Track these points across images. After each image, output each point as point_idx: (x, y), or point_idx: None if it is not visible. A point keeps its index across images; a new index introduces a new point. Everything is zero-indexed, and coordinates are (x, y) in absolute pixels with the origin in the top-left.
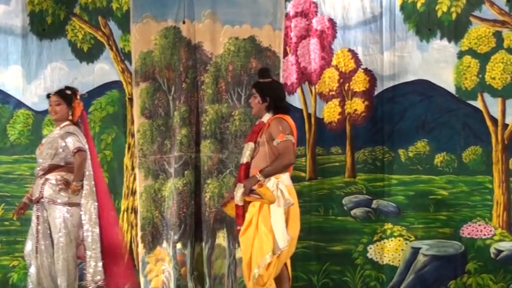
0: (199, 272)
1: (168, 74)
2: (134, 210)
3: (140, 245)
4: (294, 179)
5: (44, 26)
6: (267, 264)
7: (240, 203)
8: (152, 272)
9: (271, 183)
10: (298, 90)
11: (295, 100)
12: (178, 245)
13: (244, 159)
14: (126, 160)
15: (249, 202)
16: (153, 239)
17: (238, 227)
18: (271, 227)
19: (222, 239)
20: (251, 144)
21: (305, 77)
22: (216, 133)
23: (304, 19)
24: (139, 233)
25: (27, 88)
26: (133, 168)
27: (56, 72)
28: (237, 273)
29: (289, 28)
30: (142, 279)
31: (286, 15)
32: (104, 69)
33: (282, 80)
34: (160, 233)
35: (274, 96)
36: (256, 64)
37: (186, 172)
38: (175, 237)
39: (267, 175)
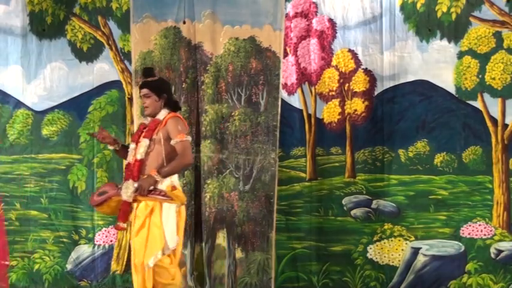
0: (199, 272)
1: (168, 74)
2: None
3: None
4: (295, 180)
5: (43, 25)
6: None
7: (130, 200)
8: None
9: (167, 182)
10: (298, 91)
11: (295, 100)
12: None
13: (139, 156)
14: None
15: (134, 200)
16: None
17: (121, 224)
18: (163, 226)
19: (221, 239)
20: (146, 141)
21: (305, 77)
22: (216, 133)
23: (304, 19)
24: None
25: (26, 88)
26: None
27: (55, 72)
28: (237, 274)
29: (289, 28)
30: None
31: (286, 15)
32: (104, 69)
33: (282, 81)
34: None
35: (168, 93)
36: (256, 64)
37: (186, 172)
38: None
39: (165, 175)
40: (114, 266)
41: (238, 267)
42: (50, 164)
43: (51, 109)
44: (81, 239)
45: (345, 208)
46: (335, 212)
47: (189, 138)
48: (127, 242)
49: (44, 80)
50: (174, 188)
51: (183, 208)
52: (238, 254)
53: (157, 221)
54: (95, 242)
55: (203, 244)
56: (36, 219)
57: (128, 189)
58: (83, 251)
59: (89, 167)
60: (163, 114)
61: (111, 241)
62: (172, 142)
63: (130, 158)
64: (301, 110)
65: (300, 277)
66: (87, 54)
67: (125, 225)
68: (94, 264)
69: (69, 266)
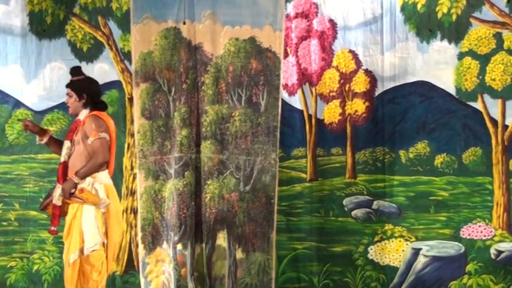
0: (200, 272)
1: (168, 74)
2: (133, 211)
3: (140, 246)
4: (295, 180)
5: (43, 25)
6: (97, 264)
7: (58, 203)
8: (152, 273)
9: (86, 183)
10: (299, 91)
11: (295, 101)
12: (179, 246)
13: (62, 158)
14: (126, 160)
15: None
16: (153, 240)
17: (53, 228)
18: (81, 226)
19: (222, 240)
20: (67, 143)
21: (306, 77)
22: (217, 134)
23: (304, 20)
24: (140, 234)
25: (26, 88)
26: (132, 168)
27: (55, 72)
28: (237, 274)
29: (290, 29)
30: (142, 280)
31: (287, 16)
32: (104, 69)
33: (282, 81)
34: (161, 233)
35: (90, 93)
36: (256, 65)
37: (186, 173)
38: (176, 238)
39: (83, 176)
40: (113, 266)
41: (238, 268)
42: (49, 164)
43: (51, 109)
44: None
45: (345, 209)
46: (336, 213)
47: (104, 135)
48: (127, 243)
49: (43, 80)
50: (81, 190)
51: (114, 207)
52: (239, 254)
53: (78, 222)
54: None
55: (203, 245)
56: (36, 219)
57: (56, 193)
58: None
59: None
60: (83, 114)
61: None
62: (88, 141)
63: (61, 159)
64: (302, 111)
65: (300, 278)
66: (87, 54)
67: (55, 228)
68: None
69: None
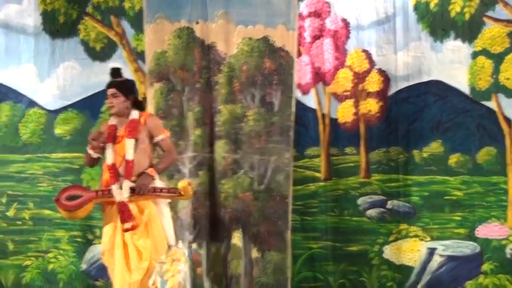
0: (216, 272)
1: (182, 74)
2: None
3: None
4: (309, 180)
5: (56, 25)
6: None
7: (126, 200)
8: (168, 272)
9: (158, 180)
10: (313, 90)
11: (309, 100)
12: (194, 245)
13: (130, 156)
14: None
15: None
16: None
17: (127, 225)
18: (163, 224)
19: (237, 239)
20: (132, 141)
21: (319, 77)
22: (230, 133)
23: (317, 19)
24: None
25: (39, 87)
26: None
27: (68, 71)
28: (253, 274)
29: (303, 28)
30: (158, 280)
31: (300, 15)
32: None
33: (295, 80)
34: (176, 233)
35: (135, 94)
36: (270, 64)
37: (200, 172)
38: (191, 238)
39: (161, 172)
40: None
41: (254, 267)
42: (63, 164)
43: (64, 108)
44: (95, 239)
45: (360, 208)
46: (350, 212)
47: (169, 134)
48: None
49: (57, 79)
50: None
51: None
52: (254, 253)
53: (158, 221)
54: None
55: (219, 244)
56: (50, 218)
57: (124, 190)
58: (98, 250)
59: (102, 167)
60: (136, 114)
61: None
62: (156, 139)
63: (112, 159)
64: (316, 110)
65: (316, 277)
66: (100, 53)
67: (133, 223)
68: None
69: (84, 266)
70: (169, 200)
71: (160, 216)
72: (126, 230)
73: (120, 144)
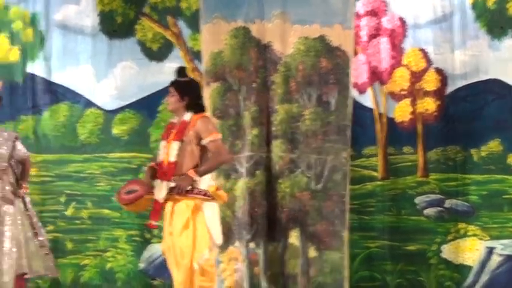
0: (273, 271)
1: (239, 74)
2: None
3: None
4: (366, 179)
5: (113, 25)
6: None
7: (162, 200)
8: (226, 271)
9: (206, 181)
10: (369, 90)
11: (366, 99)
12: (251, 245)
13: (172, 158)
14: None
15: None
16: (225, 239)
17: (154, 222)
18: (207, 224)
19: (294, 238)
20: (177, 143)
21: (376, 76)
22: (287, 133)
23: (374, 18)
24: None
25: (97, 87)
26: None
27: (126, 71)
28: (310, 273)
29: (359, 27)
30: (216, 279)
31: (356, 14)
32: (174, 68)
33: (352, 80)
34: (233, 232)
35: (192, 95)
36: (326, 64)
37: (257, 172)
38: (248, 237)
39: (203, 174)
40: None
41: (311, 266)
42: (120, 163)
43: (122, 108)
44: (153, 238)
45: (417, 207)
46: (408, 212)
47: (220, 136)
48: None
49: (114, 79)
50: (218, 188)
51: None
52: (312, 253)
53: (202, 220)
54: None
55: (276, 243)
56: (108, 217)
57: (161, 189)
58: (156, 249)
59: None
60: (188, 115)
61: None
62: (203, 142)
63: (162, 157)
64: (372, 109)
65: (374, 276)
66: (157, 53)
67: (156, 223)
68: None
69: (142, 265)
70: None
71: (206, 216)
72: (149, 226)
73: (169, 143)
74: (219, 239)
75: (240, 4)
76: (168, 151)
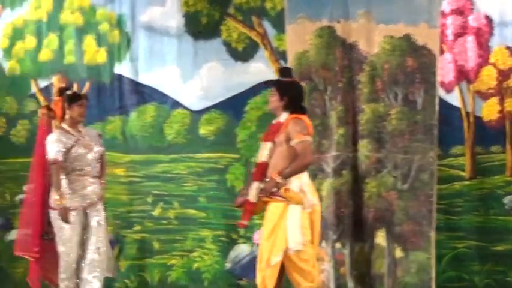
0: (359, 271)
1: (324, 73)
2: None
3: None
4: (454, 179)
5: (199, 26)
6: (311, 260)
7: (254, 201)
8: None
9: (294, 185)
10: (456, 89)
11: (453, 99)
12: (337, 245)
13: (263, 158)
14: None
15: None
16: None
17: (244, 222)
18: (286, 226)
19: (381, 238)
20: (269, 144)
21: (462, 75)
22: (374, 132)
23: (460, 16)
24: None
25: (183, 88)
26: None
27: (211, 72)
28: (397, 273)
29: (445, 26)
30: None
31: (442, 12)
32: (259, 69)
33: (439, 79)
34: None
35: (292, 96)
36: (412, 63)
37: (343, 172)
38: (334, 237)
39: (286, 177)
40: None
41: (398, 266)
42: (207, 163)
43: (208, 109)
44: (239, 238)
45: (506, 207)
46: (496, 212)
47: (308, 138)
48: None
49: (200, 80)
50: (287, 190)
51: (317, 208)
52: (398, 253)
53: (283, 222)
54: (254, 241)
55: (362, 244)
56: (195, 218)
57: (252, 190)
58: (242, 249)
59: (246, 166)
60: (284, 116)
61: None
62: (292, 143)
63: (260, 157)
64: (460, 108)
65: (461, 277)
66: (242, 54)
67: (246, 223)
68: (253, 263)
69: (228, 265)
70: (311, 203)
71: (287, 219)
72: (238, 224)
73: (263, 144)
74: (294, 243)
75: (324, 4)
76: (261, 152)
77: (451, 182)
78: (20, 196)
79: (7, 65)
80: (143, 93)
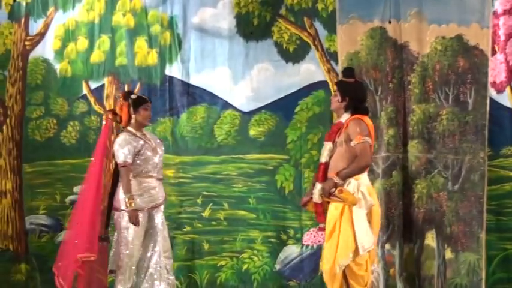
0: (409, 272)
1: (375, 74)
2: None
3: None
4: (504, 179)
5: (250, 27)
6: (365, 264)
7: (319, 201)
8: None
9: (351, 186)
10: (508, 89)
11: (504, 99)
12: (387, 246)
13: (323, 159)
14: None
15: (328, 202)
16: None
17: (321, 225)
18: (353, 228)
19: (431, 239)
20: (329, 144)
21: None
22: (424, 133)
23: None
24: None
25: (234, 89)
26: None
27: (262, 73)
28: (446, 275)
29: (497, 26)
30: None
31: (494, 13)
32: (310, 70)
33: (490, 79)
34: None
35: (353, 97)
36: (464, 63)
37: (393, 172)
38: (384, 238)
39: (344, 177)
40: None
41: (448, 268)
42: (257, 165)
43: (258, 110)
44: (289, 239)
45: None
46: None
47: (368, 139)
48: None
49: (250, 81)
50: (340, 191)
51: (376, 208)
52: (448, 254)
53: (348, 223)
54: (303, 242)
55: (412, 245)
56: (245, 219)
57: (315, 191)
58: (291, 251)
59: (296, 167)
60: (345, 117)
61: (319, 241)
62: (351, 144)
63: (322, 158)
64: (511, 109)
65: (511, 278)
66: (293, 55)
67: (322, 225)
68: (302, 264)
69: (277, 266)
70: (369, 204)
71: (354, 219)
72: (318, 229)
73: (324, 146)
74: (365, 243)
75: (376, 4)
76: (322, 152)
77: (501, 183)
78: (71, 197)
79: (58, 67)
80: (194, 95)
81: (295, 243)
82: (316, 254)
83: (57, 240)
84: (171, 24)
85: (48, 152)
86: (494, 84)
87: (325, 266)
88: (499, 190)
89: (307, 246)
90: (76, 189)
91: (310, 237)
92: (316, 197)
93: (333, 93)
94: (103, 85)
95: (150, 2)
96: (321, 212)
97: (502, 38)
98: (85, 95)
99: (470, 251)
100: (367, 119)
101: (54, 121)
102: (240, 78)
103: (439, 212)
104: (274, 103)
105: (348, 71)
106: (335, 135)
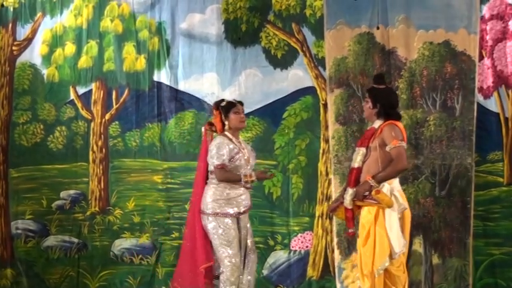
0: None
1: (362, 79)
2: (329, 216)
3: (336, 251)
4: (492, 185)
5: (238, 33)
6: (402, 266)
7: (350, 207)
8: (348, 278)
9: (385, 189)
10: (495, 94)
11: (491, 104)
12: None
13: (356, 164)
14: (321, 165)
15: (359, 206)
16: (349, 245)
17: (350, 230)
18: (387, 231)
19: (418, 245)
20: (362, 150)
21: (501, 80)
22: (411, 138)
23: (500, 22)
24: (335, 239)
25: (222, 95)
26: (327, 174)
27: (250, 79)
28: (434, 280)
29: (485, 31)
30: (338, 285)
31: (482, 18)
32: (298, 75)
33: (477, 84)
34: (356, 239)
35: (385, 103)
36: (451, 69)
37: None
38: None
39: (380, 181)
40: (310, 271)
41: (435, 273)
42: None
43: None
44: (276, 245)
45: None
46: None
47: (403, 144)
48: (323, 248)
49: (238, 86)
50: (377, 191)
51: (407, 212)
52: (435, 260)
53: (382, 227)
54: (291, 248)
55: None
56: None
57: (347, 196)
58: (279, 256)
59: (283, 173)
60: (378, 123)
61: (306, 247)
62: (387, 148)
63: (353, 163)
64: (498, 114)
65: (498, 284)
66: (281, 60)
67: (352, 230)
68: (290, 269)
69: (265, 272)
70: (402, 207)
71: (386, 222)
72: (347, 234)
73: (356, 151)
74: (397, 246)
75: (364, 10)
76: (355, 157)
77: (488, 188)
78: (57, 202)
79: (46, 72)
80: (182, 100)
81: (283, 248)
82: (304, 259)
83: (43, 245)
84: (159, 30)
85: (35, 157)
86: (481, 89)
87: (364, 270)
88: (486, 195)
89: (294, 251)
90: (63, 194)
91: (297, 243)
92: (348, 202)
93: (363, 100)
94: (91, 90)
95: (139, 8)
96: (352, 217)
97: (490, 43)
98: (72, 100)
99: (457, 256)
100: (400, 124)
101: (41, 126)
102: (227, 84)
103: (426, 217)
104: (262, 109)
105: (379, 78)
106: (368, 141)
